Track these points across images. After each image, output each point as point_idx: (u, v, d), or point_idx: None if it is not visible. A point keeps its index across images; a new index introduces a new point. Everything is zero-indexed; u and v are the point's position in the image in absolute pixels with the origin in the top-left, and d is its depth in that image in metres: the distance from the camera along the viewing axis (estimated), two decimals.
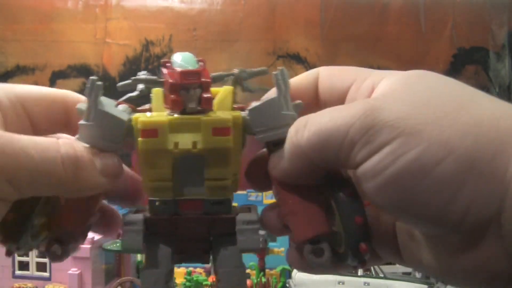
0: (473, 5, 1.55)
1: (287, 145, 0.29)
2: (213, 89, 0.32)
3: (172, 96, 0.30)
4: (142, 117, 0.31)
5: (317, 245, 0.29)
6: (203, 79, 0.31)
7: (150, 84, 0.34)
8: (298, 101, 0.31)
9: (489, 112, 0.24)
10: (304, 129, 0.27)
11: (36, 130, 0.33)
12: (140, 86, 0.35)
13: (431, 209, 0.24)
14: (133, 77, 0.35)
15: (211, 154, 0.30)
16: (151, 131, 0.30)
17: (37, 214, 0.31)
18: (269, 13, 1.55)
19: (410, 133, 0.24)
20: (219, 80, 0.34)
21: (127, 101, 0.36)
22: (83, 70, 1.54)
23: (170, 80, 0.30)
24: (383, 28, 1.54)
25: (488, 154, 0.23)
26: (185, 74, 0.30)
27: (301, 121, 0.28)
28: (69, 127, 0.33)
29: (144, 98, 0.35)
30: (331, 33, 1.54)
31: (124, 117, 0.32)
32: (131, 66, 1.53)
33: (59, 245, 0.31)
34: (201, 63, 0.32)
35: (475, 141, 0.23)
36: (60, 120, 0.34)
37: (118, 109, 0.33)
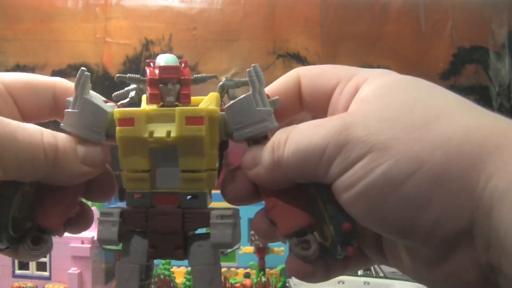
0: (473, 5, 1.55)
1: (266, 158, 0.29)
2: (199, 97, 0.34)
3: (151, 90, 0.32)
4: (121, 109, 0.33)
5: (304, 237, 0.30)
6: (182, 77, 0.32)
7: (133, 81, 0.36)
8: (275, 97, 0.32)
9: (462, 125, 0.24)
10: (283, 147, 0.28)
11: (25, 116, 0.34)
12: (132, 93, 0.36)
13: (399, 224, 0.25)
14: (117, 74, 0.36)
15: (185, 143, 0.31)
16: (128, 120, 0.32)
17: (16, 207, 0.32)
18: (269, 12, 1.55)
19: (380, 148, 0.24)
20: (201, 81, 0.35)
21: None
22: None
23: (150, 76, 0.32)
24: (383, 28, 1.54)
25: (457, 169, 0.23)
26: (163, 69, 0.32)
27: (280, 137, 0.29)
28: (57, 114, 0.35)
29: (135, 104, 0.36)
30: (331, 32, 1.54)
31: (108, 108, 0.33)
32: (131, 66, 1.53)
33: (41, 236, 0.32)
34: (183, 64, 0.33)
35: (444, 156, 0.23)
36: (48, 107, 0.35)
37: (104, 103, 0.34)
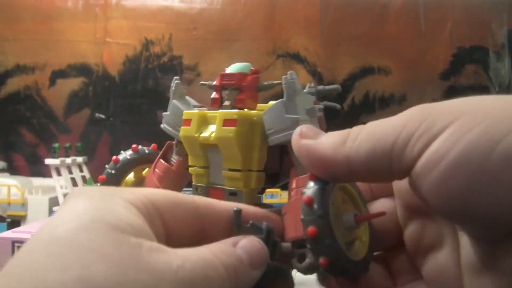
0: (473, 5, 1.55)
1: (332, 134, 0.26)
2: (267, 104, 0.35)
3: (213, 95, 0.36)
4: (187, 111, 0.36)
5: (301, 250, 0.28)
6: (240, 83, 0.35)
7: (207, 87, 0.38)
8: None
9: None
10: (358, 133, 0.25)
11: (170, 237, 0.28)
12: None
13: (502, 191, 0.20)
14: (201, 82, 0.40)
15: (222, 143, 0.33)
16: (187, 120, 0.35)
17: None
18: (269, 12, 1.55)
19: (471, 113, 0.21)
20: (269, 88, 0.36)
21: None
22: (83, 70, 1.54)
23: (215, 83, 0.36)
24: (383, 28, 1.54)
25: None
26: (223, 76, 0.36)
27: (356, 128, 0.26)
28: (203, 234, 0.29)
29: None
30: (331, 32, 1.54)
31: (184, 108, 0.37)
32: (131, 66, 1.53)
33: None
34: (251, 70, 0.36)
35: None
36: (194, 227, 0.28)
37: (192, 107, 0.38)
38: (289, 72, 0.32)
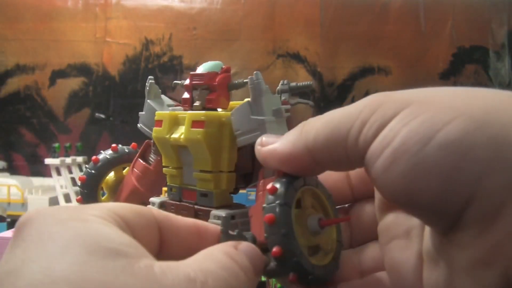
0: (473, 4, 1.55)
1: (291, 133, 0.27)
2: (238, 102, 0.35)
3: (185, 95, 0.35)
4: (159, 111, 0.36)
5: (266, 254, 0.27)
6: (210, 83, 0.34)
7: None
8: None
9: (503, 94, 0.23)
10: (317, 121, 0.26)
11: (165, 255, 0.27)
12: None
13: (442, 175, 0.21)
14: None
15: (191, 145, 0.33)
16: (159, 121, 0.35)
17: None
18: (269, 12, 1.55)
19: (419, 102, 0.22)
20: (240, 86, 0.35)
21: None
22: (83, 69, 1.54)
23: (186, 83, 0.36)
24: (383, 27, 1.54)
25: (502, 119, 0.21)
26: (192, 76, 0.35)
27: (315, 117, 0.26)
28: (163, 244, 0.28)
29: None
30: (331, 32, 1.54)
31: (158, 108, 0.37)
32: (131, 65, 1.53)
33: None
34: (222, 69, 0.35)
35: (489, 106, 0.21)
36: (155, 238, 0.27)
37: (167, 107, 0.38)
38: (254, 72, 0.31)
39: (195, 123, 0.32)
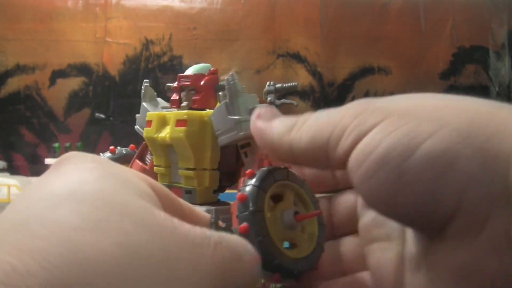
0: (473, 4, 1.55)
1: (280, 128, 0.27)
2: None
3: (173, 96, 0.37)
4: (149, 112, 0.38)
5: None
6: (196, 85, 0.36)
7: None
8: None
9: (484, 109, 0.22)
10: (303, 121, 0.26)
11: None
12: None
13: (423, 189, 0.21)
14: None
15: (175, 143, 0.34)
16: (149, 122, 0.36)
17: None
18: (269, 12, 1.55)
19: (402, 113, 0.22)
20: (224, 88, 0.36)
21: None
22: (83, 69, 1.54)
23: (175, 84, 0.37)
24: (383, 27, 1.54)
25: (485, 130, 0.20)
26: (180, 77, 0.37)
27: (303, 116, 0.27)
28: None
29: None
30: (331, 32, 1.54)
31: (151, 110, 0.38)
32: (131, 65, 1.53)
33: None
34: (209, 71, 0.37)
35: (470, 119, 0.21)
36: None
37: (161, 109, 0.39)
38: (230, 73, 0.33)
39: (179, 122, 0.34)
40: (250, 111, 0.31)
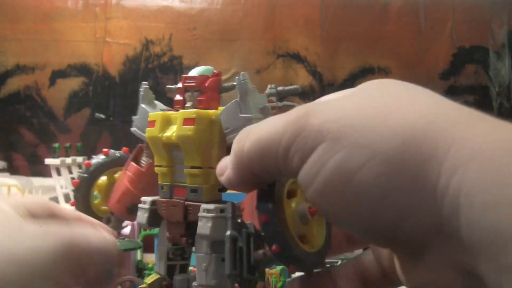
0: (473, 4, 1.55)
1: (231, 154, 0.28)
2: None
3: (178, 97, 0.38)
4: (152, 112, 0.38)
5: (263, 243, 0.30)
6: (201, 86, 0.36)
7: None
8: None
9: (426, 115, 0.22)
10: (245, 139, 0.26)
11: None
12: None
13: (361, 220, 0.22)
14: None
15: (183, 142, 0.35)
16: (152, 122, 0.37)
17: None
18: (269, 12, 1.55)
19: (333, 138, 0.22)
20: (229, 89, 0.37)
21: None
22: (83, 69, 1.54)
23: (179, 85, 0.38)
24: (383, 28, 1.54)
25: (416, 160, 0.21)
26: (185, 78, 0.38)
27: (245, 131, 0.27)
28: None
29: None
30: (331, 32, 1.54)
31: (151, 111, 0.39)
32: (131, 65, 1.53)
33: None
34: (213, 73, 0.38)
35: (401, 145, 0.21)
36: None
37: (159, 110, 0.40)
38: (241, 73, 0.34)
39: (187, 121, 0.34)
40: (261, 110, 0.33)
